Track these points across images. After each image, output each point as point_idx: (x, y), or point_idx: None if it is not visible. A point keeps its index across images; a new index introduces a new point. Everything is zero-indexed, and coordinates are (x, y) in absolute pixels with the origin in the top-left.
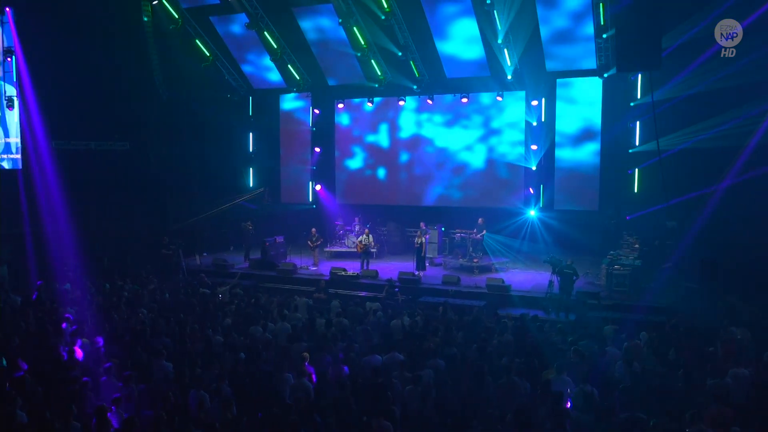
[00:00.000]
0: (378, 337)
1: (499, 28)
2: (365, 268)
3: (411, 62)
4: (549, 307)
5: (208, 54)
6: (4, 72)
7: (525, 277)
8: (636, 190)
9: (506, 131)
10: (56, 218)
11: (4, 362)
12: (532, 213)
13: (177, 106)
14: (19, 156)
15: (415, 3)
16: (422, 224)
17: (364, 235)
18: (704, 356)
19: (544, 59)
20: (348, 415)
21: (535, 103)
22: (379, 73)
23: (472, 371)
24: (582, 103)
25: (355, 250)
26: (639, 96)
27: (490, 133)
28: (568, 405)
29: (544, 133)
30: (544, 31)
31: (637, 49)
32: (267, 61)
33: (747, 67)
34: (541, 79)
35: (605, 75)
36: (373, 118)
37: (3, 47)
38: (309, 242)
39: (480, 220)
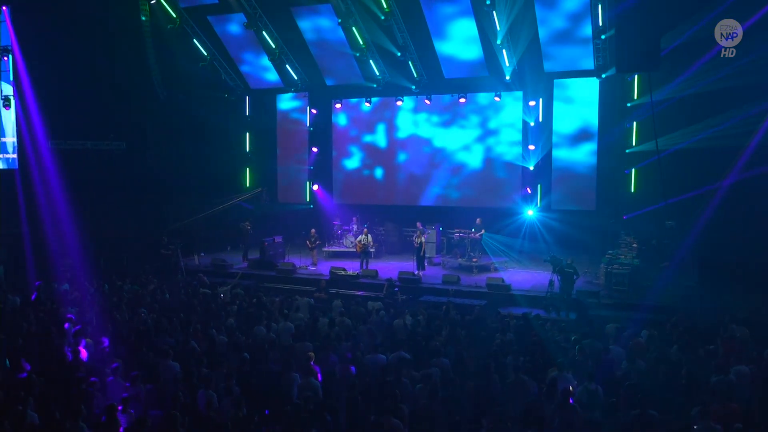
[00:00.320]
0: (382, 336)
1: (499, 28)
2: (364, 267)
3: (410, 62)
4: (550, 306)
5: (205, 53)
6: (0, 71)
7: (524, 276)
8: (633, 190)
9: (504, 131)
10: (54, 218)
11: (7, 363)
12: (530, 213)
13: (174, 105)
14: (14, 156)
15: (414, 3)
16: (419, 224)
17: (363, 235)
18: (706, 354)
19: (542, 60)
20: (357, 414)
21: (532, 103)
22: (377, 73)
23: (478, 370)
24: (579, 103)
25: (353, 249)
26: (636, 97)
27: (487, 133)
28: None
29: (541, 133)
30: (542, 32)
31: (636, 50)
32: (264, 60)
33: (747, 67)
34: (538, 80)
35: (603, 76)
36: (371, 118)
37: None
38: (308, 242)
39: (478, 220)
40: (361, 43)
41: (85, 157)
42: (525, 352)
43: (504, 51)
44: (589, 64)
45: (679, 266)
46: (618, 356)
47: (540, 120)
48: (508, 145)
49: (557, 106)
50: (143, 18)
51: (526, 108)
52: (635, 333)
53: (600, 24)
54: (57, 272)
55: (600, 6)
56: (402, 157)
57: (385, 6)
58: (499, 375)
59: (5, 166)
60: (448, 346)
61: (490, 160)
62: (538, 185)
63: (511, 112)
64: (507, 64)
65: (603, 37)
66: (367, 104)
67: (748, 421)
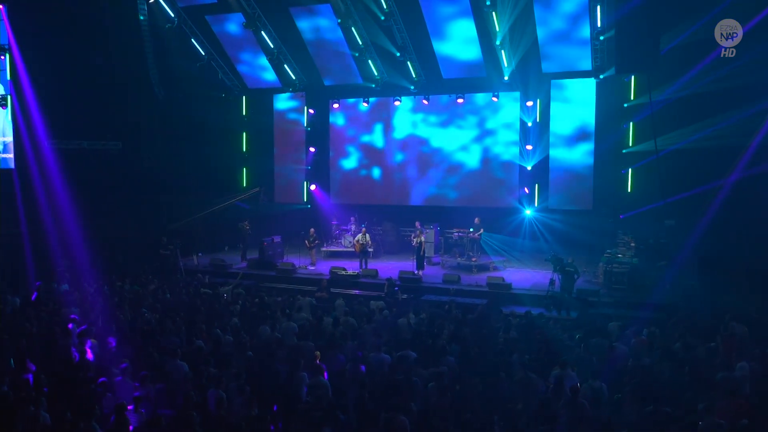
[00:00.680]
0: (386, 335)
1: (498, 29)
2: (364, 267)
3: (408, 63)
4: (551, 304)
5: (203, 53)
6: None
7: (523, 275)
8: (629, 190)
9: (501, 131)
10: (53, 218)
11: (12, 363)
12: (528, 212)
13: (172, 105)
14: (11, 155)
15: (413, 3)
16: (418, 224)
17: (361, 235)
18: (707, 351)
19: (541, 61)
20: (368, 413)
21: (530, 103)
22: (375, 74)
23: (485, 368)
24: (576, 104)
25: (352, 249)
26: (633, 97)
27: (485, 133)
28: None
29: (539, 133)
30: (541, 33)
31: (636, 51)
32: (262, 60)
33: (747, 67)
34: (536, 80)
35: (601, 76)
36: (368, 118)
37: None
38: (306, 242)
39: (477, 219)
40: (360, 43)
41: (84, 156)
42: (530, 350)
43: (503, 51)
44: (586, 65)
45: (679, 265)
46: (622, 354)
47: (538, 120)
48: (505, 145)
49: (555, 107)
50: (141, 17)
51: (524, 108)
52: (638, 331)
53: (598, 25)
54: (57, 272)
55: (598, 7)
56: (399, 157)
57: (384, 6)
58: (505, 373)
59: (3, 166)
60: (452, 344)
61: (487, 160)
62: (536, 185)
63: (508, 112)
64: (506, 64)
65: (601, 38)
66: (365, 104)
67: (751, 416)
